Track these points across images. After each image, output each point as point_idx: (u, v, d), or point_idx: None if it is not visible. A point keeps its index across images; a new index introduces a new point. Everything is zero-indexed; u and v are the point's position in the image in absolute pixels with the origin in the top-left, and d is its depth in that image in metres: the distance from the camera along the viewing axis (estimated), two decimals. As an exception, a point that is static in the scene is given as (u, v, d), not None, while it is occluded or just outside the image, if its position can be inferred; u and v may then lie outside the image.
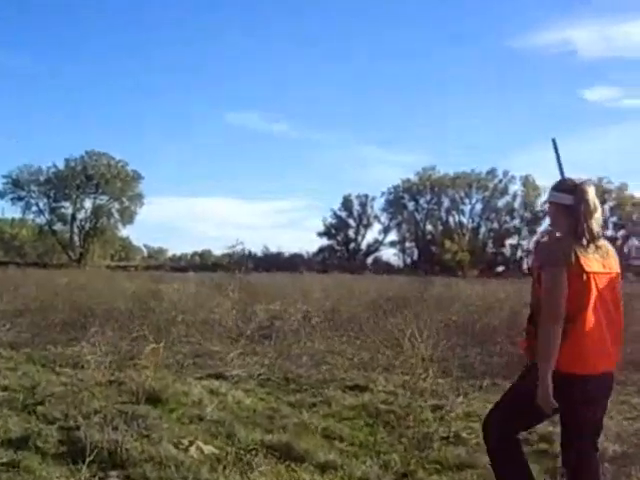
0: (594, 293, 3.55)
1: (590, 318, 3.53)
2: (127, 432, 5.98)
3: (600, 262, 3.62)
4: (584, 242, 3.58)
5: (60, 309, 13.73)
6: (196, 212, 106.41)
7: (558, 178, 3.85)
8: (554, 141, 3.90)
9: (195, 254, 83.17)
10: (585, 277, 3.53)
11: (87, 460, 5.26)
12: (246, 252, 17.14)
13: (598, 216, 3.66)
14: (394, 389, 8.36)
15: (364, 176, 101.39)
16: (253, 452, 5.64)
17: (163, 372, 8.49)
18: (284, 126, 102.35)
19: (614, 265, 3.73)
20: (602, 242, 3.70)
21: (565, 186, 3.73)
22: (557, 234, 3.79)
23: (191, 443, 5.91)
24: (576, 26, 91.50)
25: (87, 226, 68.98)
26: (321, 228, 78.35)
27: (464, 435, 6.38)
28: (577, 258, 3.52)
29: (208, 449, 5.88)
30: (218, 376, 8.91)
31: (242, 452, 5.65)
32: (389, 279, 28.52)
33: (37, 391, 7.67)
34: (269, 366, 9.40)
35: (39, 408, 6.95)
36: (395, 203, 76.07)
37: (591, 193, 3.66)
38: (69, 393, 7.55)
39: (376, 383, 8.57)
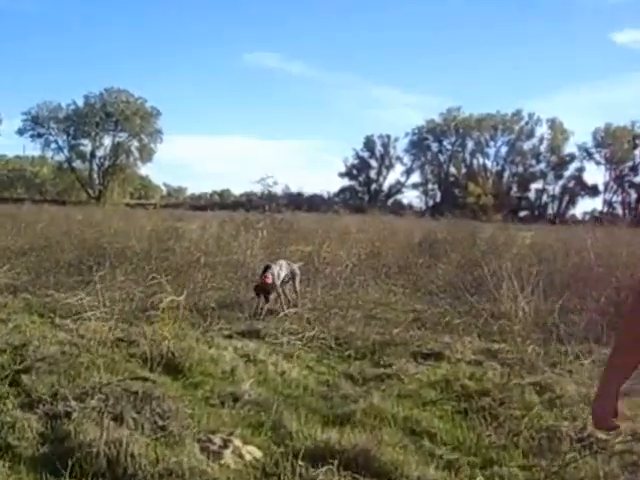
0: None
1: None
2: (135, 424, 4.20)
3: None
4: None
5: (68, 248, 11.91)
6: (214, 151, 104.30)
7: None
8: None
9: (214, 193, 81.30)
10: None
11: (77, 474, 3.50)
12: (275, 186, 14.97)
13: None
14: (475, 357, 6.51)
15: (383, 118, 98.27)
16: (314, 461, 3.83)
17: (184, 328, 6.69)
18: (302, 67, 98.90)
19: None
20: None
21: None
22: None
23: (226, 443, 4.10)
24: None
25: (106, 164, 66.85)
26: (341, 169, 75.88)
27: (603, 436, 4.49)
28: None
29: (249, 452, 4.07)
30: (252, 334, 7.11)
31: (299, 462, 3.82)
32: (423, 221, 26.51)
33: (26, 352, 5.88)
34: (313, 322, 7.55)
35: (23, 379, 5.17)
36: (418, 144, 73.07)
37: None
38: (65, 356, 5.77)
39: (452, 348, 6.71)
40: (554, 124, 68.94)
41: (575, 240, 12.55)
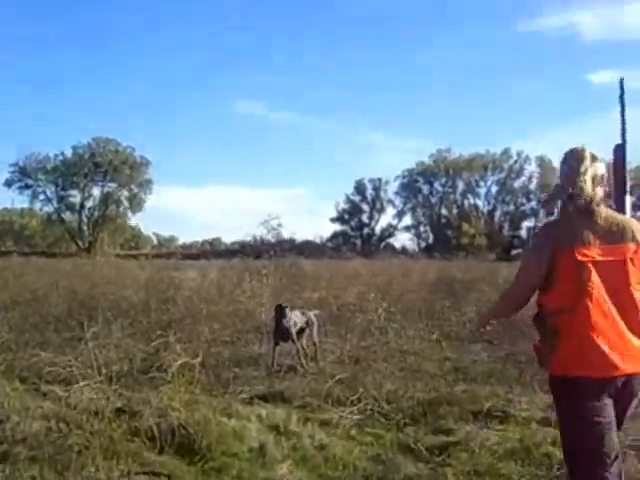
0: (594, 284, 2.82)
1: (589, 313, 2.81)
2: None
3: (601, 246, 2.88)
4: (578, 211, 2.93)
5: (56, 301, 10.73)
6: (204, 200, 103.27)
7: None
8: (621, 81, 3.27)
9: (205, 242, 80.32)
10: (580, 266, 2.83)
11: None
12: (280, 229, 13.52)
13: (586, 177, 2.95)
14: (546, 415, 5.38)
15: (373, 163, 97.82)
16: None
17: (197, 393, 5.54)
18: (291, 115, 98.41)
19: (623, 244, 2.91)
20: (609, 213, 2.99)
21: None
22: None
23: None
24: (581, 8, 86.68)
25: (96, 214, 65.51)
26: (332, 214, 75.22)
27: None
28: (571, 244, 2.86)
29: None
30: (275, 397, 5.96)
31: None
32: (434, 262, 25.41)
33: (3, 432, 4.73)
34: (346, 381, 6.41)
35: (-2, 470, 4.02)
36: (409, 187, 72.42)
37: (571, 155, 3.03)
38: (52, 436, 4.62)
39: (515, 405, 5.58)
40: (543, 162, 68.69)
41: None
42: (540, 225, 3.30)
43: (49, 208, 66.37)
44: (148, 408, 5.23)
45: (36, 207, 66.86)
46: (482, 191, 71.21)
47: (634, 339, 2.84)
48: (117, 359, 6.88)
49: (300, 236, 64.51)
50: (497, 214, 71.46)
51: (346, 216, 75.81)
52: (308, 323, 7.71)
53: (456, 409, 5.46)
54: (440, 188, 72.55)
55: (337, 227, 75.22)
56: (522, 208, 70.63)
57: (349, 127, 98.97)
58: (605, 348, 2.78)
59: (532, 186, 70.00)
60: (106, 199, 65.22)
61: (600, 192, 2.98)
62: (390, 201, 73.81)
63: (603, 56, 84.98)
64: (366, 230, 75.21)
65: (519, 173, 69.82)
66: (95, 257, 45.04)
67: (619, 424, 2.94)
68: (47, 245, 66.69)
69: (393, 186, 73.28)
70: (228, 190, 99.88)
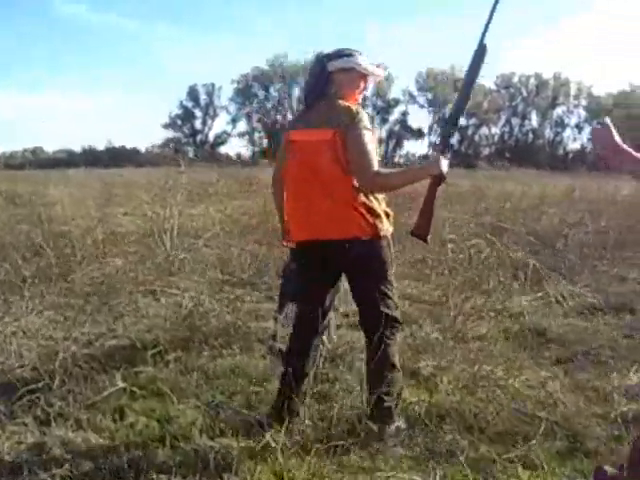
0: (293, 161, 3.16)
1: (291, 187, 3.20)
2: None
3: (306, 129, 3.12)
4: (316, 106, 3.15)
5: None
6: (24, 107, 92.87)
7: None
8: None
9: (26, 151, 72.61)
10: (287, 145, 3.20)
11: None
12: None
13: (313, 80, 3.21)
14: None
15: (206, 69, 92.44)
16: None
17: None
18: (114, 17, 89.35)
19: (323, 131, 3.05)
20: (333, 104, 3.08)
21: None
22: None
23: None
24: None
25: None
26: (164, 120, 70.22)
27: None
28: (288, 129, 3.28)
29: None
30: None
31: None
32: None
33: None
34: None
35: None
36: (244, 92, 68.84)
37: (315, 61, 3.24)
38: None
39: None
40: (379, 66, 67.84)
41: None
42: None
43: None
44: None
45: None
46: (319, 98, 69.47)
47: (333, 208, 3.00)
48: (30, 356, 3.88)
49: (129, 144, 59.81)
50: (332, 120, 70.25)
51: (179, 122, 71.31)
52: None
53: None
54: (275, 94, 69.69)
55: (170, 134, 70.72)
56: (357, 114, 69.82)
57: (179, 31, 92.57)
58: (302, 217, 3.12)
59: (367, 92, 69.11)
60: None
61: (331, 90, 3.12)
62: (224, 107, 70.30)
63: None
64: (200, 137, 71.37)
65: (357, 78, 68.68)
66: None
67: (354, 282, 3.17)
68: None
69: (228, 92, 69.68)
70: (48, 96, 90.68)
